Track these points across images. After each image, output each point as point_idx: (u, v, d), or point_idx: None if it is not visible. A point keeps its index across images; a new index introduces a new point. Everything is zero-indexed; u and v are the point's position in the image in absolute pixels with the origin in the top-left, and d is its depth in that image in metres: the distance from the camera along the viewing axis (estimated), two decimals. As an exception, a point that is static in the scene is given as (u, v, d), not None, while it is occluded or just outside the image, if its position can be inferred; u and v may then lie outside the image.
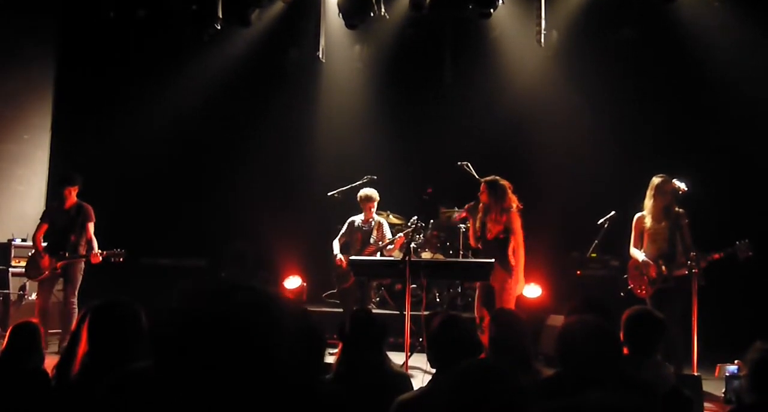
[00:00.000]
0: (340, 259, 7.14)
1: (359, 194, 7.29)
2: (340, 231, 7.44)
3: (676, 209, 5.86)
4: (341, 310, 7.33)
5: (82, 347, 2.71)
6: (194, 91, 9.01)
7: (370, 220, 7.26)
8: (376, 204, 7.26)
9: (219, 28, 8.12)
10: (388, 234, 7.25)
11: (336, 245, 7.31)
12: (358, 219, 7.29)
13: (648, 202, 5.96)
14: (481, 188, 6.15)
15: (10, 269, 7.77)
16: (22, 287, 7.69)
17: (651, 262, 5.85)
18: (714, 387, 5.40)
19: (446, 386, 1.69)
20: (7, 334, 3.86)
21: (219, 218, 9.23)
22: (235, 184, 9.37)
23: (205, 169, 9.52)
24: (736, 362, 4.98)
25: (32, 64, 8.89)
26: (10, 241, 7.95)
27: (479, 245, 6.22)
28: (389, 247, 7.16)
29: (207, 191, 9.46)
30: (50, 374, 3.64)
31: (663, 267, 5.79)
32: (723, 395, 5.21)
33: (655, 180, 5.93)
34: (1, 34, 8.32)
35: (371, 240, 7.18)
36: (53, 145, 9.08)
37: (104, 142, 8.91)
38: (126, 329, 2.62)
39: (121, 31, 8.60)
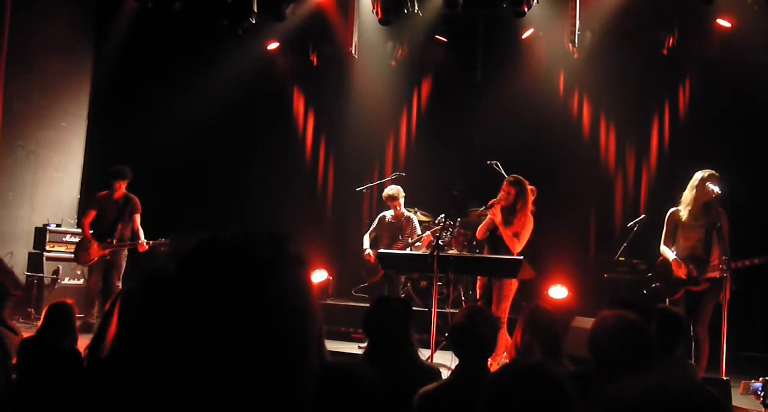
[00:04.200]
0: (369, 254, 7.21)
1: (383, 194, 7.30)
2: (370, 226, 7.49)
3: (719, 208, 5.47)
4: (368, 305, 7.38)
5: (112, 329, 2.78)
6: (227, 83, 9.11)
7: (401, 216, 7.30)
8: (402, 200, 7.27)
9: (254, 21, 8.21)
10: (418, 230, 7.28)
11: (366, 240, 7.37)
12: (388, 214, 7.33)
13: (687, 195, 5.57)
14: (505, 187, 5.93)
15: (45, 254, 7.94)
16: (56, 271, 7.87)
17: (681, 262, 5.52)
18: (740, 402, 5.25)
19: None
20: (43, 314, 3.96)
21: (249, 209, 9.33)
22: (265, 177, 9.47)
23: (236, 160, 9.63)
24: (761, 379, 4.83)
25: (70, 53, 9.05)
26: (45, 226, 8.12)
27: (485, 239, 6.03)
28: (417, 244, 7.19)
29: (237, 182, 9.57)
30: (83, 354, 3.74)
31: (693, 271, 5.49)
32: (761, 399, 5.06)
33: (700, 173, 5.53)
34: (40, 23, 8.49)
35: (401, 236, 7.22)
36: (89, 133, 9.26)
37: (139, 131, 9.06)
38: None
39: (158, 22, 8.73)
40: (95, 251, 7.27)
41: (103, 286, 7.30)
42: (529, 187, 5.94)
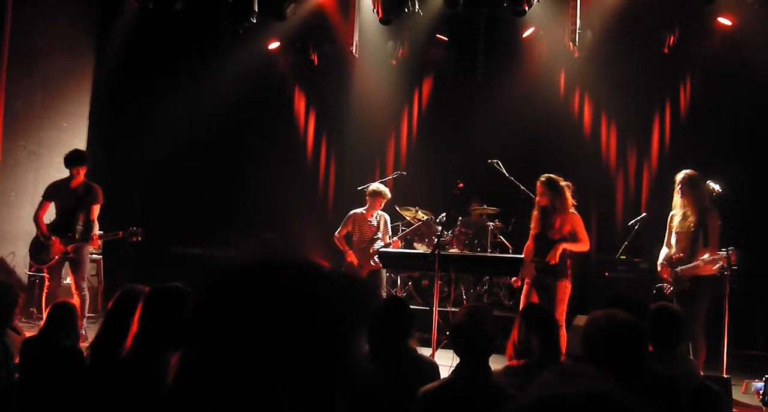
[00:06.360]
0: (353, 257, 7.09)
1: (372, 189, 7.12)
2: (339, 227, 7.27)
3: (707, 207, 5.48)
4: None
5: (134, 328, 2.80)
6: (228, 83, 9.12)
7: (375, 214, 7.17)
8: (384, 202, 7.18)
9: (254, 21, 8.21)
10: (390, 231, 7.27)
11: (342, 241, 7.15)
12: (360, 211, 7.17)
13: (675, 198, 5.65)
14: (539, 188, 5.76)
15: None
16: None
17: (662, 266, 5.60)
18: (742, 400, 5.25)
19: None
20: (45, 313, 3.97)
21: (250, 208, 9.34)
22: (266, 176, 9.47)
23: (237, 160, 9.64)
24: (765, 378, 4.83)
25: (72, 53, 9.04)
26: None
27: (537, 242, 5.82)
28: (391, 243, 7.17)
29: (238, 182, 9.57)
30: (85, 354, 3.75)
31: (668, 277, 5.53)
32: (761, 397, 5.07)
33: (678, 175, 5.60)
34: (41, 23, 8.48)
35: (378, 234, 7.15)
36: (91, 133, 9.26)
37: (140, 131, 9.06)
38: (180, 313, 2.70)
39: (159, 22, 8.73)
40: (57, 247, 6.42)
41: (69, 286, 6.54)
42: (563, 183, 5.76)
